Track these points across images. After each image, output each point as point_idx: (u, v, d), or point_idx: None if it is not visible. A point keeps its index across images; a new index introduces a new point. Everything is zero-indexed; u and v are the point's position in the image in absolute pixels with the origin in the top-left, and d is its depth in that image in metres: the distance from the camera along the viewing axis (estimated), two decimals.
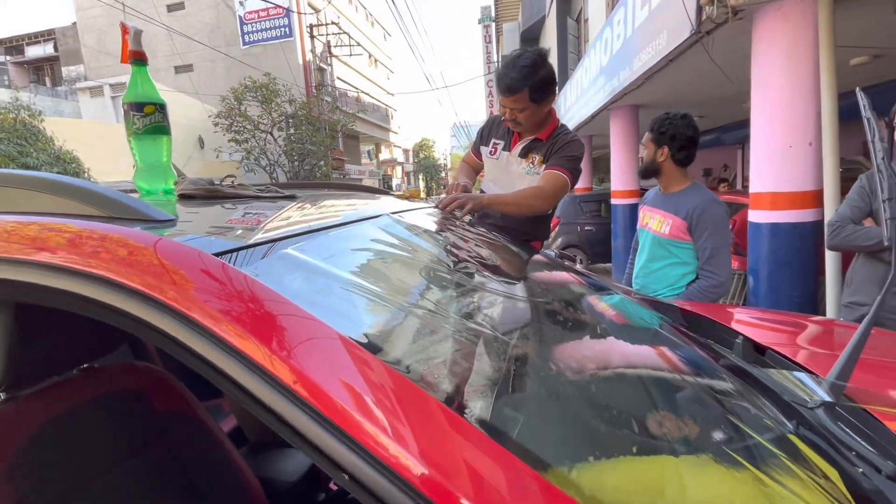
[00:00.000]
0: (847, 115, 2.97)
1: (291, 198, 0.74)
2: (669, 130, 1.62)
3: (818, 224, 2.47)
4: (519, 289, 0.93)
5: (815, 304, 2.58)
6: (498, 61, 18.65)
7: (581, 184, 9.46)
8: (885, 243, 0.74)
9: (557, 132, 1.63)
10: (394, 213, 0.86)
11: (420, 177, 45.88)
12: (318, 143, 15.73)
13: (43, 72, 24.81)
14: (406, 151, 44.51)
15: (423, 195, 37.57)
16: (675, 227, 1.63)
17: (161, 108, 0.79)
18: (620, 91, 4.49)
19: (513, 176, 1.69)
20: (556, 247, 6.68)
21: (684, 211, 1.61)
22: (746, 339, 1.08)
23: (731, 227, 3.73)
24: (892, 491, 0.59)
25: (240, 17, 19.19)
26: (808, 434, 0.76)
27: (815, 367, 0.90)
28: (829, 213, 2.37)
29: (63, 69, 22.06)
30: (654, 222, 1.71)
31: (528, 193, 1.54)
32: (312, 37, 19.26)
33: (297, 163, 15.87)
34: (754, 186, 2.70)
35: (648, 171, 1.73)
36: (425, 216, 1.09)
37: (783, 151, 2.52)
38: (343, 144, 21.48)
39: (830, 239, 1.58)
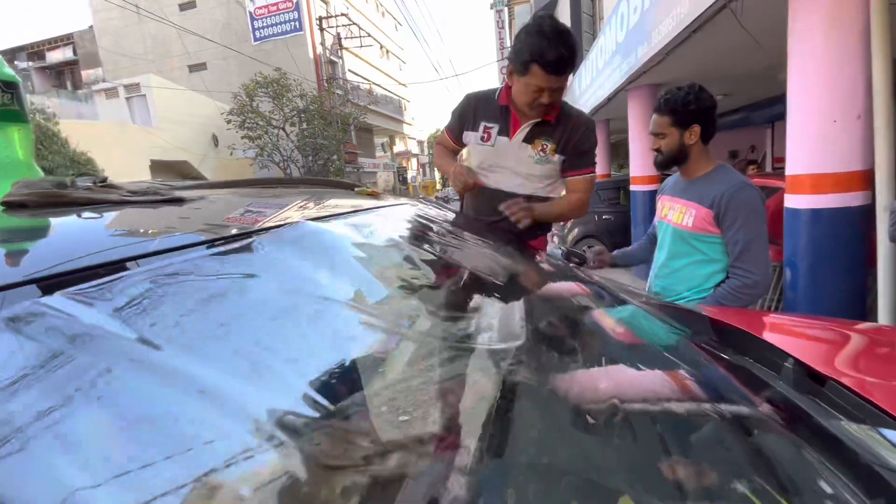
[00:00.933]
0: None
1: (177, 201, 0.54)
2: (696, 105, 1.36)
3: (867, 209, 2.17)
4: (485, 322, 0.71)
5: (863, 303, 2.28)
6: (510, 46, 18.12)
7: (598, 170, 9.07)
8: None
9: (567, 113, 1.44)
10: (317, 219, 0.65)
11: (436, 168, 45.51)
12: (330, 137, 15.65)
13: (64, 76, 25.37)
14: (421, 143, 44.15)
15: (439, 187, 37.17)
16: (699, 218, 1.38)
17: (10, 87, 0.59)
18: (638, 69, 4.16)
19: (519, 165, 1.46)
20: (571, 238, 6.38)
21: (710, 198, 1.35)
22: (799, 363, 0.84)
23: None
24: None
25: (250, 12, 19.14)
26: None
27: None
28: (882, 197, 2.06)
29: (83, 72, 22.50)
30: (675, 213, 1.46)
31: (575, 205, 1.51)
32: (322, 29, 19.10)
33: (310, 157, 15.82)
34: (792, 168, 2.39)
35: (676, 160, 1.43)
36: (379, 218, 0.87)
37: (826, 127, 2.21)
38: (356, 138, 21.36)
39: (893, 227, 1.30)
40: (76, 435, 0.27)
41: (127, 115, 14.12)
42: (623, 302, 1.11)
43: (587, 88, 7.01)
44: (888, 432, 0.58)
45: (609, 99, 5.73)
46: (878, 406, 0.68)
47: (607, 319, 0.96)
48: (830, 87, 2.17)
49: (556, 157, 1.45)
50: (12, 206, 0.49)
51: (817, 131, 2.23)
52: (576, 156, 1.47)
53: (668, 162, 1.44)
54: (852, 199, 2.19)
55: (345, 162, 17.61)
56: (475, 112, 1.48)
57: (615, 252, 1.79)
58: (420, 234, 1.02)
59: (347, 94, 18.88)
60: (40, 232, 0.46)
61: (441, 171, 1.69)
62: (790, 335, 1.05)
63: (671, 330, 1.02)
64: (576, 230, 6.45)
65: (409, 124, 33.57)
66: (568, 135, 1.43)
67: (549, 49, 1.21)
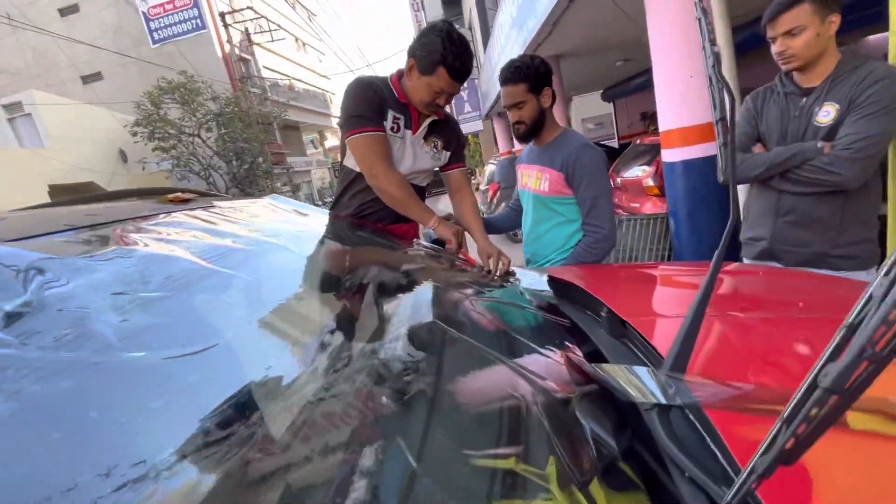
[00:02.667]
0: (743, 47, 2.85)
1: None
2: (544, 68, 1.38)
3: None
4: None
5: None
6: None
7: (503, 147, 9.28)
8: (720, 177, 0.53)
9: (447, 114, 1.52)
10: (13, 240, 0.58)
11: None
12: (251, 139, 14.86)
13: None
14: None
15: None
16: (553, 182, 1.43)
17: None
18: (532, 41, 4.24)
19: (418, 160, 1.46)
20: (499, 212, 6.49)
21: (560, 161, 1.40)
22: (611, 312, 0.89)
23: (655, 168, 3.63)
24: None
25: (143, 13, 17.59)
26: (641, 450, 0.57)
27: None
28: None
29: None
30: (533, 180, 1.50)
31: (476, 206, 1.55)
32: (227, 25, 17.93)
33: (233, 163, 14.97)
34: (664, 124, 2.55)
35: (538, 126, 1.45)
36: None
37: (685, 83, 2.35)
38: (282, 137, 20.46)
39: (721, 173, 1.41)
40: None
41: (12, 138, 12.63)
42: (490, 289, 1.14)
43: (496, 65, 7.09)
44: (637, 369, 0.62)
45: None
46: (650, 345, 0.73)
47: (477, 312, 0.97)
48: (686, 44, 2.31)
49: (444, 154, 1.53)
50: None
51: (678, 88, 2.37)
52: (457, 152, 1.57)
53: (532, 130, 1.46)
54: (716, 147, 2.36)
55: (272, 163, 16.83)
56: (383, 99, 1.36)
57: None
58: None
59: (265, 93, 17.96)
60: None
61: (408, 211, 1.38)
62: (609, 285, 1.11)
63: (525, 315, 1.04)
64: (502, 205, 6.57)
65: (338, 117, 32.57)
66: (451, 132, 1.53)
67: (458, 57, 1.26)
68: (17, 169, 10.79)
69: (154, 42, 17.77)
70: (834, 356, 0.31)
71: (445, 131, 1.51)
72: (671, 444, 0.51)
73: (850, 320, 0.30)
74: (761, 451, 0.34)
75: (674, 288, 1.09)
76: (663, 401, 0.56)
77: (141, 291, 0.59)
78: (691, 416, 0.54)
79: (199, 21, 17.60)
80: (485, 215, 1.63)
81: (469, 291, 1.10)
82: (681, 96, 2.38)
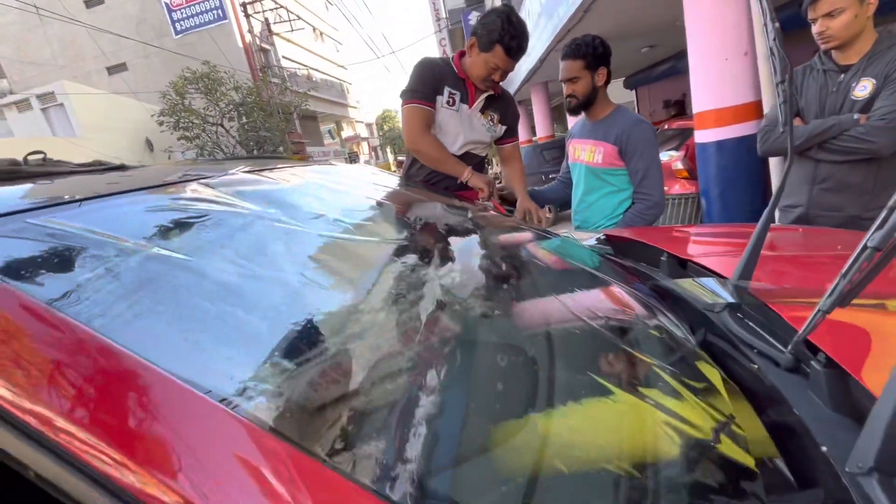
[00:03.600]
0: (787, 25, 2.91)
1: (120, 168, 0.64)
2: (603, 49, 1.52)
3: None
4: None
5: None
6: (447, 17, 17.86)
7: (542, 132, 9.33)
8: (780, 129, 0.68)
9: (504, 90, 1.69)
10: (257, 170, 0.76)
11: (388, 149, 44.78)
12: (273, 128, 15.13)
13: None
14: (369, 126, 43.22)
15: (393, 168, 36.67)
16: (607, 154, 1.57)
17: None
18: (562, 29, 4.33)
19: (474, 132, 1.64)
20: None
21: (614, 135, 1.54)
22: (670, 255, 1.05)
23: (684, 152, 3.72)
24: (786, 384, 0.56)
25: (166, 4, 17.83)
26: (715, 341, 0.73)
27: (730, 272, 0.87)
28: None
29: None
30: (586, 153, 1.64)
31: (524, 172, 1.80)
32: (248, 16, 18.14)
33: (254, 151, 15.27)
34: (697, 105, 2.65)
35: (588, 102, 1.59)
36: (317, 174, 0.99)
37: (721, 65, 2.45)
38: (301, 126, 20.71)
39: (761, 145, 1.54)
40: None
41: (46, 127, 13.09)
42: (549, 236, 1.29)
43: None
44: (707, 281, 0.78)
45: (542, 61, 5.91)
46: (713, 271, 0.88)
47: (541, 252, 1.12)
48: (720, 28, 2.41)
49: (500, 128, 1.69)
50: None
51: (713, 69, 2.48)
52: (512, 125, 1.74)
53: (583, 105, 1.60)
54: (749, 127, 2.47)
55: (292, 152, 17.11)
56: (440, 76, 1.54)
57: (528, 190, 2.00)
58: (371, 187, 1.14)
59: (285, 82, 18.19)
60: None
61: (444, 167, 1.57)
62: (676, 240, 1.26)
63: (588, 253, 1.20)
64: None
65: (355, 108, 32.76)
66: (507, 107, 1.70)
67: (514, 37, 1.43)
68: (54, 156, 11.20)
69: (177, 33, 18.05)
70: (881, 226, 0.46)
71: (501, 106, 1.67)
72: (742, 330, 0.67)
73: (892, 202, 0.46)
74: (826, 296, 0.50)
75: (722, 238, 1.24)
76: (732, 300, 0.72)
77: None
78: (756, 313, 0.70)
79: (220, 11, 17.81)
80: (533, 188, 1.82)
81: (532, 236, 1.25)
82: (716, 78, 2.48)
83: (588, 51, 1.50)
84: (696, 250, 1.12)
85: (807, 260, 0.90)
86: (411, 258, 0.80)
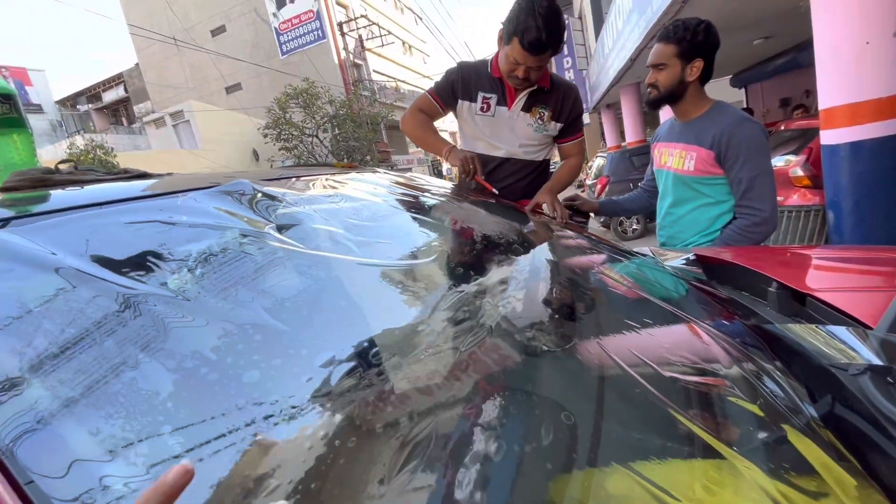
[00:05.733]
0: None
1: (143, 176, 0.62)
2: (704, 37, 1.27)
3: None
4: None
5: None
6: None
7: (631, 136, 8.69)
8: None
9: (558, 82, 1.48)
10: (265, 179, 0.71)
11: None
12: (362, 138, 16.02)
13: (119, 113, 27.53)
14: (453, 134, 43.99)
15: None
16: (700, 160, 1.33)
17: (7, 98, 0.70)
18: (656, 24, 3.96)
19: (519, 134, 1.49)
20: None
21: (710, 138, 1.30)
22: (782, 286, 0.82)
23: (806, 156, 3.17)
24: None
25: (275, 28, 19.83)
26: (847, 415, 0.53)
27: (871, 317, 0.64)
28: None
29: (134, 107, 24.31)
30: (675, 159, 1.41)
31: (575, 169, 1.58)
32: (343, 34, 19.48)
33: (344, 160, 16.29)
34: (824, 101, 2.22)
35: (672, 97, 1.34)
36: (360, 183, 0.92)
37: (858, 50, 2.03)
38: (387, 136, 21.69)
39: None
40: None
41: (175, 141, 15.16)
42: (625, 256, 1.10)
43: (609, 52, 6.75)
44: (838, 329, 0.57)
45: (633, 60, 5.49)
46: (845, 313, 0.66)
47: (614, 279, 0.94)
48: (857, 8, 1.99)
49: (553, 125, 1.49)
50: (9, 190, 0.60)
51: (850, 55, 2.05)
52: (570, 122, 1.51)
53: (664, 99, 1.35)
54: (894, 126, 2.01)
55: (378, 161, 17.96)
56: (471, 83, 1.46)
57: (602, 200, 1.78)
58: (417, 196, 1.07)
59: (375, 95, 19.18)
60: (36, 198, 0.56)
61: (425, 146, 1.59)
62: (789, 266, 1.01)
63: (671, 280, 1.00)
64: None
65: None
66: (562, 101, 1.47)
67: (531, 29, 1.23)
68: (180, 166, 12.92)
69: (283, 54, 19.96)
70: None
71: (552, 100, 1.45)
72: (891, 407, 0.46)
73: None
74: None
75: (857, 265, 0.96)
76: (878, 362, 0.51)
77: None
78: None
79: (320, 32, 19.36)
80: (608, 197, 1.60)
81: (604, 257, 1.07)
82: (851, 67, 2.05)
83: (684, 35, 1.26)
84: (819, 281, 0.87)
85: None
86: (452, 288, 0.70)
